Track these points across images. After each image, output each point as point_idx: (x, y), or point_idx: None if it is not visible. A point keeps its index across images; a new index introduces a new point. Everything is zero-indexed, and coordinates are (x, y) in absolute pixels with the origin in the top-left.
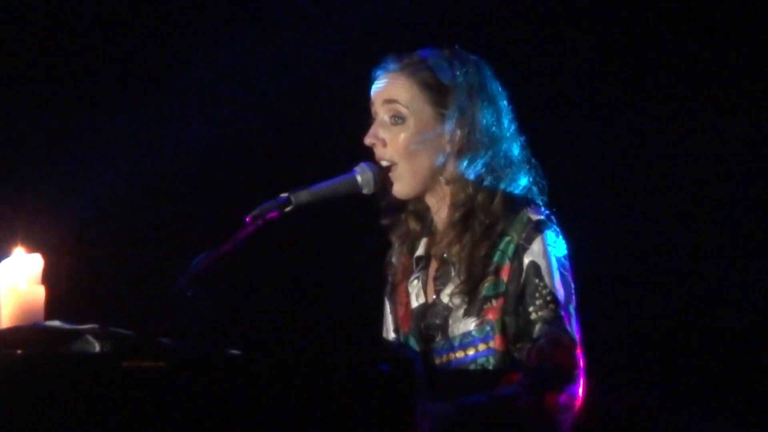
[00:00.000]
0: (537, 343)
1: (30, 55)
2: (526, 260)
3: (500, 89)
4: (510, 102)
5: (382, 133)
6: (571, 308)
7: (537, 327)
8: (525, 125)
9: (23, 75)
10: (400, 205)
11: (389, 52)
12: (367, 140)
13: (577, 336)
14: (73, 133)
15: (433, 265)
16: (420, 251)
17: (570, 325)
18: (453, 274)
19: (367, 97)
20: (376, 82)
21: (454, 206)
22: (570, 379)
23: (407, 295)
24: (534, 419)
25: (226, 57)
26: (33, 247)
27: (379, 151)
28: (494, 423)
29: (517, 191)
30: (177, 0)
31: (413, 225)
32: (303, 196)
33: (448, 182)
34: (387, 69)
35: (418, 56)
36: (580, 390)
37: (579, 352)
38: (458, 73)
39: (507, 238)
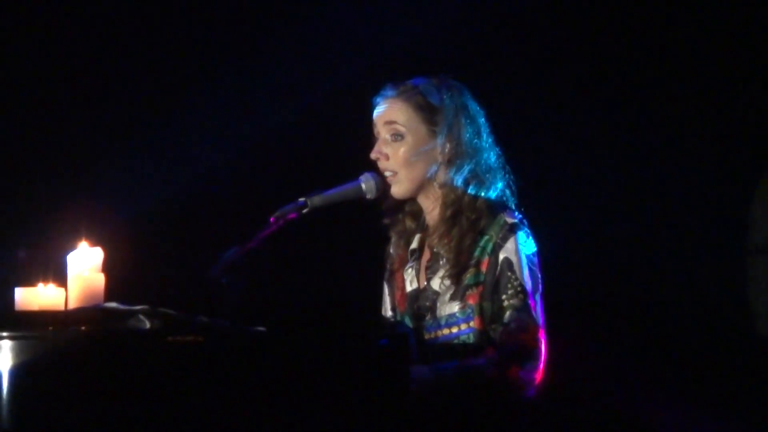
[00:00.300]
0: (507, 327)
1: (88, 57)
2: (501, 256)
3: (478, 108)
4: (486, 119)
5: (385, 149)
6: (537, 297)
7: (507, 313)
8: (499, 138)
9: (85, 79)
10: (399, 207)
11: (387, 80)
12: (373, 155)
13: (541, 321)
14: (127, 142)
15: (425, 256)
16: (414, 245)
17: (535, 311)
18: (441, 263)
19: (369, 120)
20: (377, 108)
21: (445, 206)
22: (531, 357)
23: (403, 281)
24: (497, 388)
25: (261, 79)
26: (95, 241)
27: (382, 164)
28: (462, 387)
29: (495, 193)
30: (223, 17)
31: (409, 223)
32: (317, 200)
33: (440, 186)
34: (386, 95)
35: (411, 84)
36: (541, 366)
37: (541, 334)
38: (445, 96)
39: (486, 237)
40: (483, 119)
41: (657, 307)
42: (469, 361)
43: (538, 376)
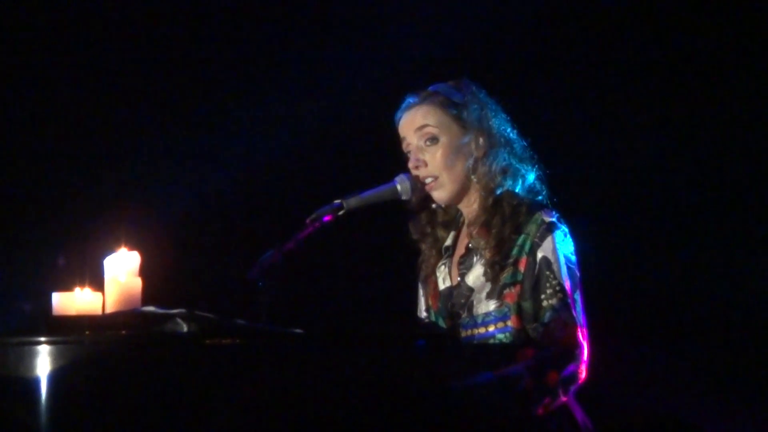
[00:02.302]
0: (546, 327)
1: (126, 63)
2: (539, 255)
3: (498, 105)
4: (507, 113)
5: (422, 156)
6: (576, 296)
7: (547, 313)
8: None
9: (124, 85)
10: (429, 219)
11: (420, 82)
12: (411, 165)
13: (581, 320)
14: (164, 147)
15: (458, 253)
16: (448, 242)
17: (575, 310)
18: (476, 259)
19: (395, 133)
20: (402, 120)
21: (485, 195)
22: (571, 358)
23: (436, 279)
24: (534, 395)
25: (297, 83)
26: (131, 245)
27: (422, 172)
28: (497, 398)
29: (529, 183)
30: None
31: (441, 233)
32: (353, 201)
33: (479, 180)
34: (409, 104)
35: (431, 89)
36: (583, 366)
37: (581, 333)
38: (466, 93)
39: (524, 236)
40: (504, 113)
41: (697, 306)
42: (505, 371)
43: (580, 376)
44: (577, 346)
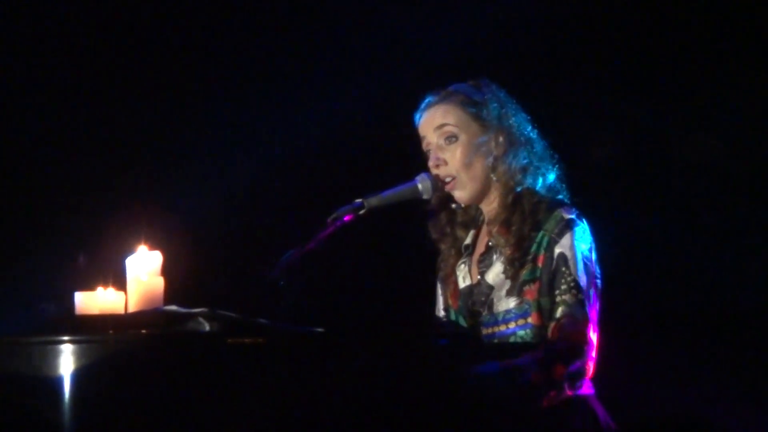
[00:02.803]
0: (558, 323)
1: (146, 62)
2: (557, 251)
3: (518, 105)
4: (527, 113)
5: (442, 155)
6: (591, 292)
7: (560, 309)
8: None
9: (144, 83)
10: (449, 220)
11: (440, 82)
12: (431, 164)
13: (593, 316)
14: (185, 146)
15: (478, 251)
16: (468, 240)
17: (588, 307)
18: (496, 256)
19: (415, 133)
20: (422, 119)
21: (505, 193)
22: (578, 354)
23: (456, 278)
24: (541, 387)
25: (318, 82)
26: (153, 245)
27: (443, 171)
28: (504, 388)
29: (548, 182)
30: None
31: (461, 233)
32: (374, 200)
33: (498, 179)
34: (429, 103)
35: (451, 88)
36: (589, 362)
37: (590, 330)
38: (486, 91)
39: (542, 232)
40: (525, 113)
41: (718, 303)
42: (512, 362)
43: (587, 372)
44: (586, 342)
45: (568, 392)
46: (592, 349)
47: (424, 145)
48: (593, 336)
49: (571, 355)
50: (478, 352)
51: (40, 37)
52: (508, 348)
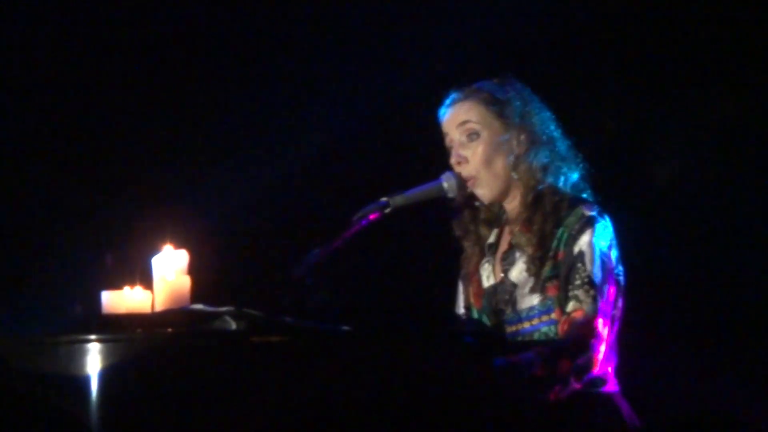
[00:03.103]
0: (568, 317)
1: (172, 61)
2: (576, 248)
3: (542, 104)
4: (552, 112)
5: (463, 152)
6: (606, 288)
7: (571, 303)
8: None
9: (170, 82)
10: (472, 217)
11: (465, 80)
12: (453, 161)
13: (606, 311)
14: (210, 145)
15: (501, 249)
16: (491, 239)
17: (601, 301)
18: (519, 254)
19: (439, 132)
20: (446, 116)
21: (526, 191)
22: (585, 348)
23: (479, 277)
24: (545, 381)
25: (343, 81)
26: (180, 244)
27: (464, 169)
28: (508, 383)
29: (572, 182)
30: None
31: (484, 231)
32: (399, 199)
33: (520, 177)
34: (453, 100)
35: (475, 86)
36: (596, 356)
37: (600, 324)
38: (510, 90)
39: (562, 229)
40: (549, 112)
41: (742, 300)
42: (515, 357)
43: (594, 366)
44: (594, 336)
45: (576, 386)
46: (601, 343)
47: (447, 141)
48: (603, 330)
49: (577, 349)
50: (504, 350)
51: (71, 32)
52: (532, 345)
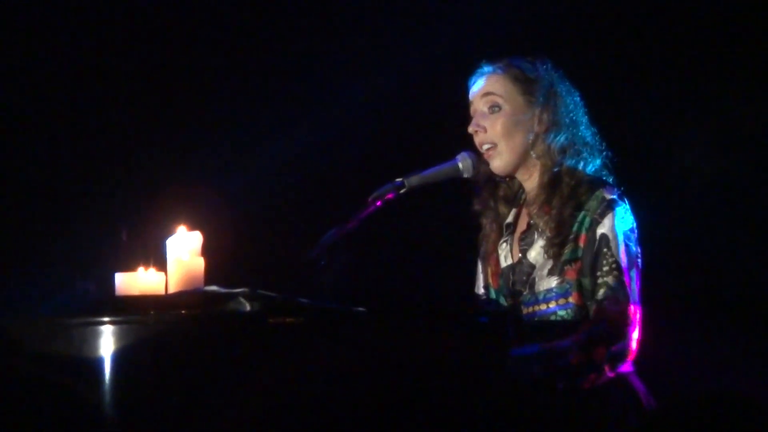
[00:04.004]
0: (600, 304)
1: (186, 46)
2: (599, 232)
3: (572, 88)
4: (581, 99)
5: (483, 122)
6: (633, 273)
7: (601, 290)
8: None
9: (183, 66)
10: (491, 192)
11: (483, 60)
12: (471, 129)
13: (636, 297)
14: (224, 126)
15: (519, 229)
16: (509, 219)
17: (630, 288)
18: (537, 235)
19: (466, 100)
20: (474, 85)
21: (543, 172)
22: (620, 335)
23: (497, 257)
24: (580, 370)
25: (357, 60)
26: (193, 225)
27: (480, 137)
28: (544, 371)
29: (593, 168)
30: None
31: (502, 209)
32: (414, 180)
33: (538, 157)
34: (483, 71)
35: (507, 60)
36: (632, 344)
37: (633, 311)
38: (540, 69)
39: (584, 213)
40: (578, 97)
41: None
42: (552, 344)
43: (629, 353)
44: (628, 323)
45: (610, 374)
46: (634, 330)
47: (471, 111)
48: (636, 317)
49: (612, 336)
50: (518, 331)
51: (92, 7)
52: (547, 326)
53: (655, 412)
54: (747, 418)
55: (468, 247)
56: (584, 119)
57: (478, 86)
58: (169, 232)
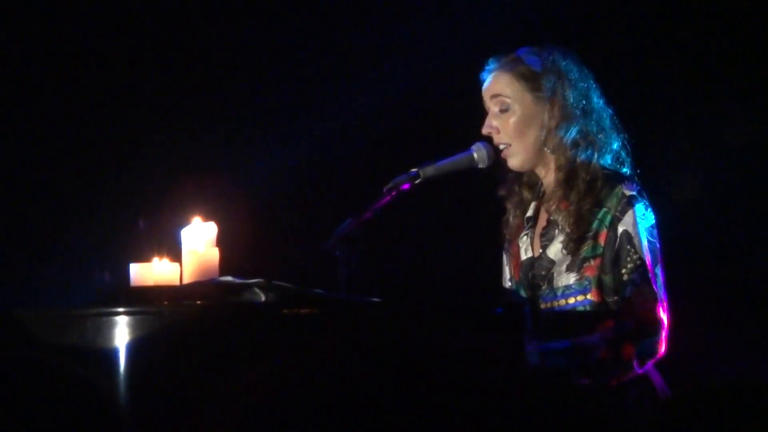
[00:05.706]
0: (627, 301)
1: (201, 41)
2: (620, 229)
3: (585, 72)
4: (595, 81)
5: (495, 122)
6: (657, 270)
7: (628, 288)
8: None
9: (199, 57)
10: (515, 178)
11: (498, 51)
12: (484, 130)
13: (662, 294)
14: (239, 117)
15: (540, 223)
16: (530, 212)
17: (656, 285)
18: (558, 231)
19: (480, 90)
20: (484, 83)
21: (558, 169)
22: (649, 333)
23: (518, 249)
24: (608, 366)
25: (373, 50)
26: (208, 216)
27: (495, 138)
28: (572, 366)
29: (611, 155)
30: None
31: (526, 194)
32: (430, 170)
33: (552, 151)
34: (490, 70)
35: (514, 54)
36: (662, 340)
37: (661, 308)
38: (546, 61)
39: (604, 209)
40: (592, 81)
41: None
42: (582, 340)
43: (659, 350)
44: (657, 321)
45: (638, 371)
46: (664, 328)
47: (485, 108)
48: (664, 315)
49: (641, 334)
50: (534, 321)
51: (105, 11)
52: (563, 317)
53: (671, 400)
54: (764, 405)
55: (483, 237)
56: (600, 102)
57: (487, 86)
58: (184, 223)
